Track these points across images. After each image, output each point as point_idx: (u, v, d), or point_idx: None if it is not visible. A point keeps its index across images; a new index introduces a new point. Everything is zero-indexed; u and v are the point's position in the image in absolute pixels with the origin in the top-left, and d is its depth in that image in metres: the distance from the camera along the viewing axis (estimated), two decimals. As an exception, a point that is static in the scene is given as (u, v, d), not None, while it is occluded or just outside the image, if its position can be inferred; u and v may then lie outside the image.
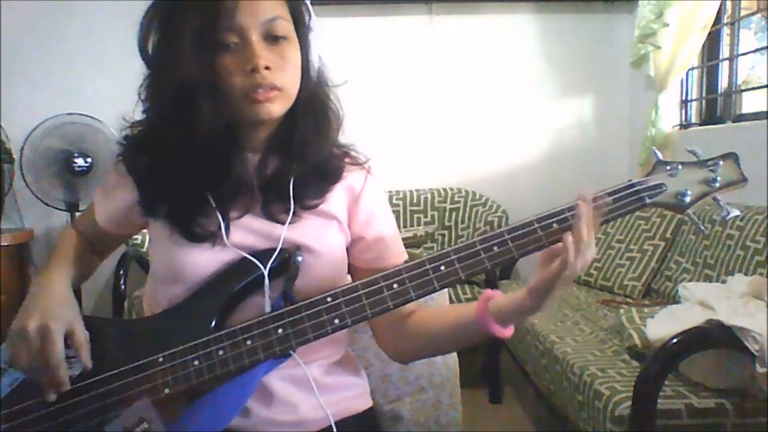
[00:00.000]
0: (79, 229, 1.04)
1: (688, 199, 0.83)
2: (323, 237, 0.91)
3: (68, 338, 0.82)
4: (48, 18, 3.08)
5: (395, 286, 0.81)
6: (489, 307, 0.84)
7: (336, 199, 0.94)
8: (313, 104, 0.91)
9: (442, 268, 0.81)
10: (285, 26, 0.84)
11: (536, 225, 0.81)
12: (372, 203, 0.97)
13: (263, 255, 0.87)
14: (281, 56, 0.83)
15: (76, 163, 2.83)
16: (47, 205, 2.89)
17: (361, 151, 0.99)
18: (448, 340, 0.93)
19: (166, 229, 0.88)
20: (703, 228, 0.94)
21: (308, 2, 0.89)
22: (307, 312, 0.81)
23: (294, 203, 0.89)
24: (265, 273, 0.85)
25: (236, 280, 0.86)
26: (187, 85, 0.80)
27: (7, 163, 2.88)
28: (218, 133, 0.83)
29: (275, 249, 0.87)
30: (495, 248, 0.81)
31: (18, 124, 2.89)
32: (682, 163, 0.85)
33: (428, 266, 0.81)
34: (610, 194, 0.82)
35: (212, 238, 0.87)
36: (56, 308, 0.84)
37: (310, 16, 0.89)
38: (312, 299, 0.82)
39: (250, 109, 0.83)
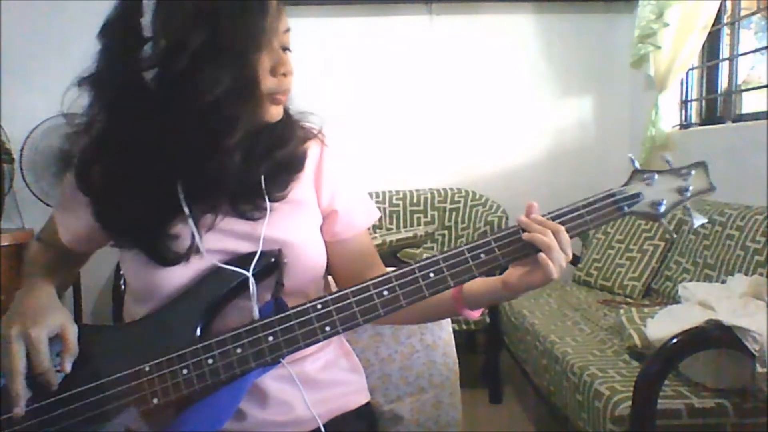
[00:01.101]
0: (45, 242, 1.00)
1: (663, 209, 0.87)
2: (298, 227, 0.91)
3: (55, 340, 0.80)
4: (48, 18, 3.08)
5: (385, 293, 0.81)
6: (463, 290, 0.88)
7: (301, 180, 0.92)
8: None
9: (432, 275, 0.82)
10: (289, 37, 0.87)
11: (521, 234, 0.83)
12: (334, 175, 0.95)
13: (244, 259, 0.85)
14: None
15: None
16: (47, 205, 2.89)
17: (313, 120, 0.97)
18: (418, 311, 0.92)
19: (137, 254, 0.85)
20: (675, 235, 0.99)
21: None
22: (298, 320, 0.81)
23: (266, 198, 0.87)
24: (251, 277, 0.84)
25: (220, 286, 0.84)
26: (227, 89, 0.76)
27: (7, 163, 2.88)
28: (222, 138, 0.80)
29: (255, 251, 0.85)
30: (482, 256, 0.83)
31: (18, 124, 2.89)
32: (658, 172, 0.89)
33: (418, 273, 0.82)
34: (589, 204, 0.86)
35: (186, 257, 0.84)
36: (40, 315, 0.81)
37: None
38: (301, 307, 0.81)
39: (268, 111, 0.84)
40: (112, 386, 0.79)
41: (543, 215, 0.84)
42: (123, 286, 2.54)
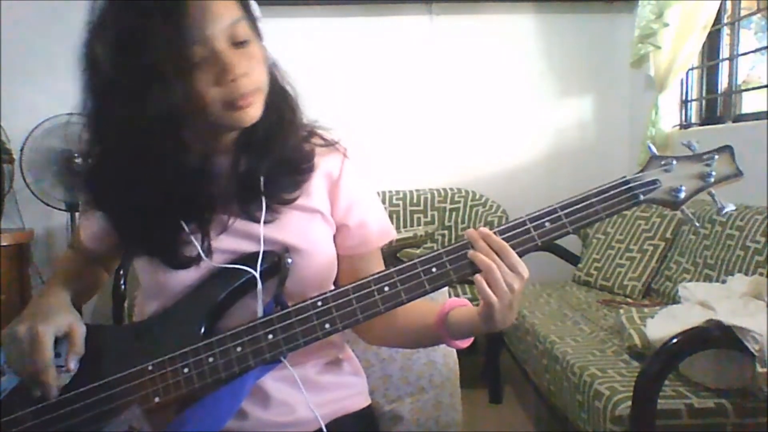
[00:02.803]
0: (75, 248, 1.03)
1: (682, 195, 0.81)
2: (308, 233, 0.90)
3: (63, 340, 0.82)
4: (48, 18, 3.08)
5: (386, 289, 0.80)
6: (448, 318, 0.86)
7: (315, 190, 0.91)
8: (274, 94, 0.86)
9: (434, 270, 0.80)
10: (245, 29, 0.80)
11: (529, 225, 0.81)
12: (352, 188, 0.93)
13: (250, 258, 0.85)
14: (252, 58, 0.80)
15: (76, 163, 2.82)
16: (47, 205, 2.89)
17: (329, 128, 0.95)
18: (416, 338, 0.93)
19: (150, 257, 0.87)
20: (697, 224, 0.93)
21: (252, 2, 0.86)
22: (297, 317, 0.80)
23: (268, 199, 0.87)
24: (257, 276, 0.84)
25: (225, 286, 0.85)
26: (163, 110, 0.74)
27: (7, 163, 2.88)
28: (197, 149, 0.81)
29: (265, 251, 0.86)
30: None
31: (18, 124, 2.89)
32: (676, 158, 0.83)
33: (419, 269, 0.80)
34: (602, 192, 0.81)
35: (195, 262, 0.85)
36: (48, 314, 0.83)
37: (257, 12, 0.85)
38: (301, 304, 0.81)
39: (232, 117, 0.79)
40: (115, 385, 0.80)
41: (550, 205, 0.81)
42: (123, 287, 2.54)
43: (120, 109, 0.77)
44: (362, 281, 0.81)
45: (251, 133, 0.85)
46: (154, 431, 0.79)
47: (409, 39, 3.31)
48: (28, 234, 2.99)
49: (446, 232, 3.21)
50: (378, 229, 0.95)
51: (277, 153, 0.87)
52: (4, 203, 2.93)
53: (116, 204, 0.85)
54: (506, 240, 0.79)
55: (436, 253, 0.81)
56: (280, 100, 0.88)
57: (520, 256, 0.79)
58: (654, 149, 0.85)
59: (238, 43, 0.78)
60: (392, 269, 0.81)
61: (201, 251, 0.85)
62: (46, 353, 0.79)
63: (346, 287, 0.81)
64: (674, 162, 0.82)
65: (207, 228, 0.86)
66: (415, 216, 3.21)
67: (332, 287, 0.96)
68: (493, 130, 3.37)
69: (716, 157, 0.83)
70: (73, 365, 0.81)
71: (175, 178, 0.81)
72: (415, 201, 3.23)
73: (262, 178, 0.86)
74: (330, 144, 0.93)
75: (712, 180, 0.82)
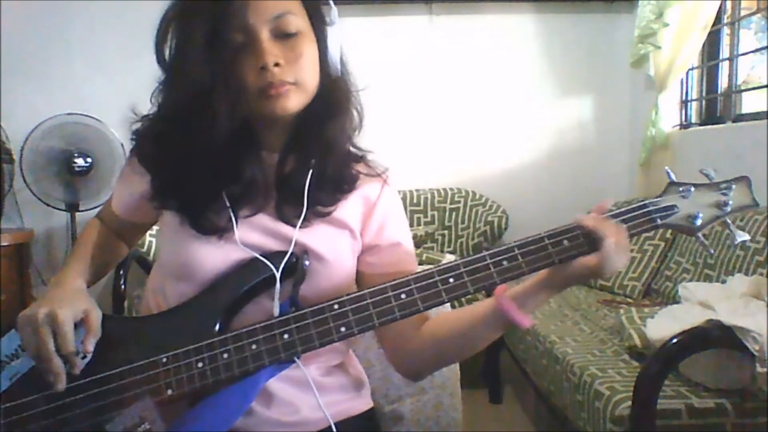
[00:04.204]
0: (101, 218, 1.06)
1: (699, 222, 0.84)
2: (333, 246, 0.91)
3: (82, 323, 0.82)
4: (48, 18, 3.08)
5: (403, 296, 0.81)
6: (508, 295, 0.86)
7: (350, 208, 0.93)
8: (333, 100, 0.89)
9: (451, 280, 0.81)
10: (297, 22, 0.83)
11: (547, 241, 0.82)
12: (386, 211, 0.95)
13: (273, 256, 0.86)
14: (293, 51, 0.83)
15: (76, 163, 2.83)
16: (47, 205, 2.89)
17: (379, 159, 0.98)
18: (461, 344, 0.91)
19: (176, 219, 0.88)
20: (712, 251, 0.95)
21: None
22: (314, 319, 0.81)
23: (307, 208, 0.88)
24: (278, 275, 0.85)
25: (245, 281, 0.85)
26: (201, 88, 0.80)
27: (7, 163, 2.88)
28: (234, 134, 0.83)
29: (285, 251, 0.87)
30: (505, 263, 0.81)
31: (18, 124, 2.89)
32: (694, 185, 0.85)
33: (437, 278, 0.81)
34: (622, 213, 0.84)
35: (221, 232, 0.87)
36: (66, 299, 0.84)
37: (330, 11, 0.88)
38: (319, 306, 0.81)
39: (264, 106, 0.82)
40: (128, 375, 0.81)
41: (568, 224, 0.83)
42: (123, 287, 2.54)
43: (175, 78, 0.84)
44: (379, 287, 0.81)
45: (301, 134, 0.88)
46: (164, 423, 0.79)
47: (409, 39, 3.31)
48: (28, 234, 2.99)
49: (446, 232, 3.21)
50: (405, 255, 0.95)
51: (327, 158, 0.89)
52: (4, 203, 2.93)
53: (162, 159, 0.89)
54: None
55: (454, 263, 0.82)
56: (338, 107, 0.89)
57: (539, 270, 0.83)
58: (672, 175, 0.87)
59: (283, 35, 0.82)
60: (410, 277, 0.82)
61: (233, 220, 0.86)
62: (67, 338, 0.79)
63: (363, 292, 0.82)
64: (692, 189, 0.85)
65: (240, 207, 0.87)
66: (415, 216, 3.21)
67: None
68: (493, 130, 3.37)
69: (733, 186, 0.85)
70: (90, 347, 0.81)
71: (220, 156, 0.84)
72: (415, 201, 3.23)
73: (307, 182, 0.88)
74: (376, 174, 0.95)
75: (729, 209, 0.84)
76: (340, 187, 0.91)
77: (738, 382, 1.48)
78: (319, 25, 0.87)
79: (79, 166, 2.83)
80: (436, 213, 3.22)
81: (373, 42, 3.29)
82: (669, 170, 0.88)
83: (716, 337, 1.43)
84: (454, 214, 3.22)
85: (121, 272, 2.56)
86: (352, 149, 0.94)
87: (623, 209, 0.84)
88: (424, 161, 3.37)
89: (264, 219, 0.89)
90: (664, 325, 1.62)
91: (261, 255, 0.86)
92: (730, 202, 0.84)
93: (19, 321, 0.82)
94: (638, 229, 0.83)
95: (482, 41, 3.33)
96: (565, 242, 0.82)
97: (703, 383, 1.53)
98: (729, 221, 0.85)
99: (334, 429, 0.87)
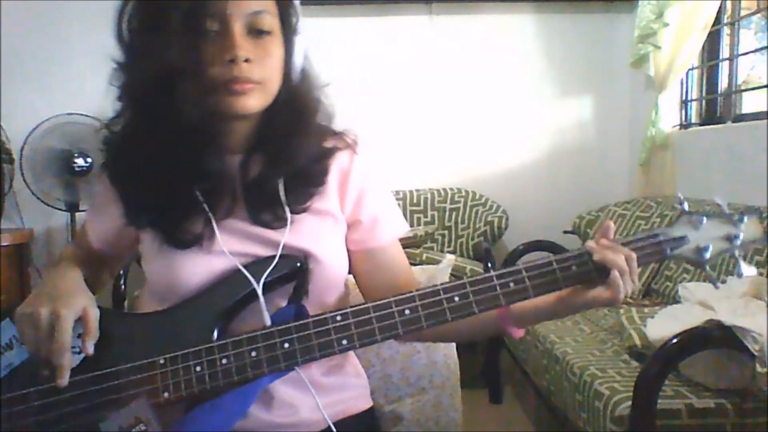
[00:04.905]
0: (78, 246, 1.01)
1: (708, 255, 0.83)
2: (321, 238, 0.89)
3: (81, 322, 0.81)
4: (48, 18, 3.08)
5: (407, 312, 0.80)
6: (510, 309, 0.86)
7: (326, 189, 0.91)
8: (295, 104, 0.88)
9: (457, 299, 0.81)
10: (270, 21, 0.82)
11: (555, 266, 0.82)
12: (361, 183, 0.93)
13: (264, 263, 0.85)
14: (264, 49, 0.82)
15: (76, 163, 2.82)
16: (47, 205, 2.89)
17: (349, 132, 0.96)
18: (452, 334, 0.93)
19: (155, 241, 0.86)
20: (719, 285, 0.94)
21: (297, 3, 0.88)
22: (316, 330, 0.80)
23: (280, 207, 0.86)
24: (259, 289, 0.83)
25: (234, 291, 0.84)
26: (170, 71, 0.78)
27: (7, 163, 2.88)
28: (198, 128, 0.81)
29: (275, 255, 0.85)
30: (511, 285, 0.81)
31: (18, 124, 2.89)
32: (706, 215, 0.84)
33: (443, 296, 0.81)
34: (630, 242, 0.83)
35: (200, 241, 0.85)
36: (67, 296, 0.82)
37: (297, 17, 0.87)
38: (321, 316, 0.81)
39: (226, 101, 0.80)
40: (125, 374, 0.80)
41: (579, 248, 0.83)
42: (123, 287, 2.54)
43: (142, 57, 0.81)
44: (384, 301, 0.81)
45: (261, 136, 0.86)
46: (159, 426, 0.78)
47: (409, 39, 3.31)
48: (28, 234, 2.99)
49: (446, 232, 3.21)
50: (389, 222, 0.95)
51: (292, 162, 0.87)
52: (4, 203, 2.93)
53: (129, 169, 0.87)
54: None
55: (460, 282, 0.81)
56: (299, 111, 0.88)
57: (546, 293, 0.83)
58: (686, 206, 0.86)
59: (256, 32, 0.81)
60: (415, 293, 0.81)
61: (212, 223, 0.84)
62: (66, 337, 0.78)
63: (366, 305, 0.81)
64: (704, 219, 0.84)
65: (213, 210, 0.86)
66: (415, 216, 3.21)
67: (344, 289, 0.96)
68: (493, 130, 3.37)
69: (745, 218, 0.84)
70: (90, 348, 0.80)
71: (184, 153, 0.82)
72: (415, 201, 3.23)
73: (280, 185, 0.86)
74: (346, 145, 0.93)
75: (739, 243, 0.84)
76: (312, 183, 0.89)
77: (738, 382, 1.48)
78: (288, 29, 0.86)
79: (79, 166, 2.83)
80: (436, 213, 3.22)
81: (373, 42, 3.29)
82: (681, 197, 0.87)
83: (716, 337, 1.43)
84: (454, 214, 3.22)
85: (121, 272, 2.56)
86: (320, 126, 0.92)
87: (634, 238, 0.83)
88: (424, 161, 3.37)
89: (240, 224, 0.87)
90: (664, 325, 1.62)
91: (252, 262, 0.85)
92: (741, 235, 0.83)
93: (17, 317, 0.81)
94: (647, 260, 0.83)
95: (482, 41, 3.33)
96: (574, 268, 0.82)
97: (703, 383, 1.53)
98: (738, 255, 0.84)
99: (333, 430, 0.87)
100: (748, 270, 0.84)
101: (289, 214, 0.86)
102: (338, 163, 0.92)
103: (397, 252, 0.97)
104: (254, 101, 0.82)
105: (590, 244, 0.83)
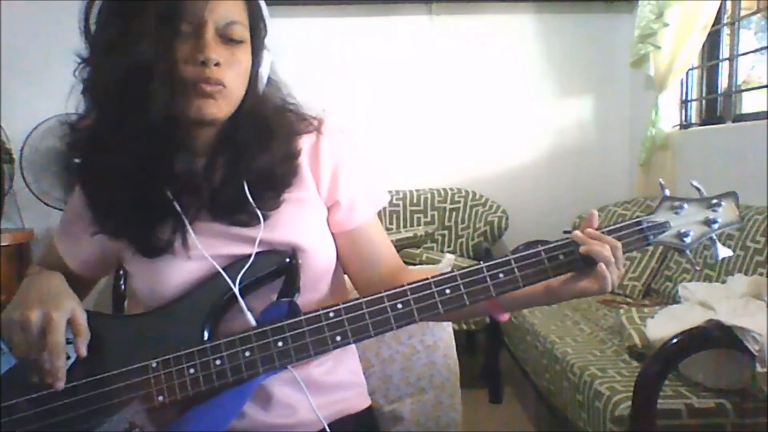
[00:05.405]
0: (48, 267, 0.97)
1: (689, 240, 0.86)
2: (303, 227, 0.89)
3: (69, 326, 0.80)
4: (48, 18, 3.08)
5: (399, 306, 0.80)
6: (500, 297, 0.86)
7: (300, 178, 0.90)
8: (259, 113, 0.87)
9: (448, 291, 0.81)
10: (243, 33, 0.83)
11: (543, 255, 0.82)
12: (332, 161, 0.92)
13: (244, 261, 0.84)
14: (233, 56, 0.82)
15: (75, 162, 2.82)
16: (47, 205, 2.89)
17: (312, 111, 0.94)
18: (448, 317, 0.94)
19: (135, 254, 0.86)
20: (698, 268, 0.96)
21: (266, 18, 0.88)
22: (309, 327, 0.80)
23: (251, 206, 0.85)
24: (236, 289, 0.83)
25: (214, 295, 0.84)
26: (141, 68, 0.77)
27: (7, 163, 2.89)
28: (165, 128, 0.80)
29: (259, 253, 0.85)
30: (501, 275, 0.82)
31: (18, 124, 2.90)
32: (687, 201, 0.87)
33: (434, 289, 0.81)
34: (614, 231, 0.84)
35: (173, 246, 0.84)
36: (56, 298, 0.82)
37: (266, 31, 0.88)
38: (313, 313, 0.81)
39: (195, 103, 0.80)
40: (118, 380, 0.79)
41: (564, 237, 0.84)
42: (123, 287, 2.54)
43: (112, 53, 0.79)
44: (376, 296, 0.81)
45: (224, 141, 0.86)
46: (154, 429, 0.78)
47: (409, 39, 3.31)
48: (28, 234, 2.99)
49: (446, 232, 3.21)
50: (367, 197, 0.94)
51: (253, 167, 0.86)
52: (4, 203, 2.93)
53: (98, 170, 0.87)
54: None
55: (451, 274, 0.82)
56: (262, 121, 0.87)
57: (535, 283, 0.83)
58: (667, 191, 0.89)
59: (228, 40, 0.82)
60: (406, 287, 0.81)
61: (186, 225, 0.84)
62: (60, 337, 0.77)
63: (359, 300, 0.81)
64: (685, 205, 0.87)
65: (186, 215, 0.85)
66: (415, 216, 3.21)
67: (334, 275, 0.96)
68: (493, 130, 3.37)
69: (723, 203, 0.87)
70: (84, 351, 0.79)
71: (152, 155, 0.81)
72: (415, 201, 3.23)
73: (248, 190, 0.86)
74: (308, 131, 0.92)
75: (716, 227, 0.86)
76: (280, 184, 0.88)
77: (738, 382, 1.48)
78: (257, 41, 0.87)
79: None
80: (436, 213, 3.22)
81: (373, 42, 3.29)
82: (663, 183, 0.90)
83: (716, 337, 1.43)
84: (454, 214, 3.22)
85: (121, 272, 2.56)
86: (290, 128, 0.91)
87: (617, 226, 0.85)
88: (424, 161, 3.37)
89: (218, 226, 0.87)
90: (664, 325, 1.62)
91: (233, 262, 0.85)
92: (719, 220, 0.86)
93: (4, 324, 0.80)
94: (631, 247, 0.85)
95: (482, 41, 3.33)
96: (561, 257, 0.82)
97: (703, 383, 1.53)
98: (715, 238, 0.87)
99: (327, 430, 0.87)
100: (724, 251, 0.87)
101: (260, 213, 0.86)
102: (306, 148, 0.91)
103: (376, 229, 0.96)
104: (218, 108, 0.81)
105: (576, 233, 0.84)
